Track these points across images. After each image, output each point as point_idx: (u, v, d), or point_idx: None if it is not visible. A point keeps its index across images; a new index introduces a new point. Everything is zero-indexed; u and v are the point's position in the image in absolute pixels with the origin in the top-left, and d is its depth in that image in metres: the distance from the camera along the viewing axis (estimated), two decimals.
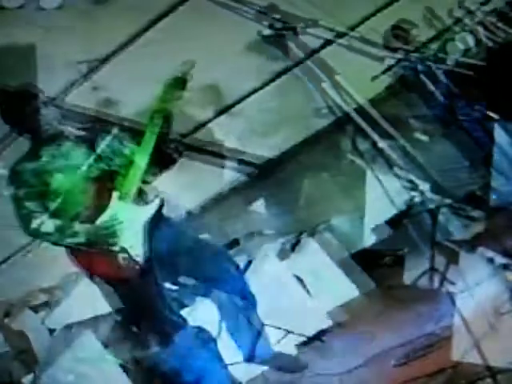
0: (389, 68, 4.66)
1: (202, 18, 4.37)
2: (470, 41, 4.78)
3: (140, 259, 3.34)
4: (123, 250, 3.34)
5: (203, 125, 6.13)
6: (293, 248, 5.64)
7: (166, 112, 3.43)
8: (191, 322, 3.90)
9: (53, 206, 3.36)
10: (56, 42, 3.99)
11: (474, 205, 5.27)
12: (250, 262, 5.19)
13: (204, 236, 5.78)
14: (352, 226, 6.98)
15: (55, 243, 3.42)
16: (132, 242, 3.37)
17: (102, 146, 3.50)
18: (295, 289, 5.10)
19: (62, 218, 3.33)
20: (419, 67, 4.92)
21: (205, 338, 4.02)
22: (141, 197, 3.52)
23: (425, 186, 5.38)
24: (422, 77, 4.98)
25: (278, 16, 1.95)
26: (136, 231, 3.39)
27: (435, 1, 5.24)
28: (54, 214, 3.35)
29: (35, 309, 5.69)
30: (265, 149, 7.10)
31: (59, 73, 4.22)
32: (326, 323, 4.83)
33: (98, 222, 3.35)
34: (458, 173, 6.93)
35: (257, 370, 4.30)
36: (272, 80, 5.81)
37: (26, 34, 3.86)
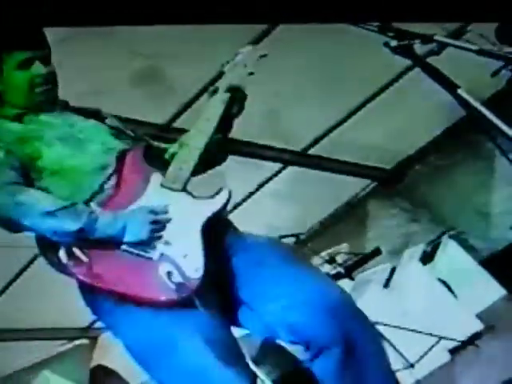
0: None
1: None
2: None
3: (198, 275, 2.13)
4: (167, 259, 2.16)
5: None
6: (434, 251, 5.53)
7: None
8: None
9: (45, 184, 2.28)
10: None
11: None
12: (393, 269, 5.14)
13: (342, 245, 5.78)
14: (489, 225, 6.77)
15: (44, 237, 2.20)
16: (186, 249, 2.19)
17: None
18: (441, 292, 5.00)
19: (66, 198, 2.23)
20: None
21: None
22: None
23: None
24: None
25: (391, 34, 1.89)
26: (191, 234, 2.22)
27: None
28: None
29: None
30: (390, 154, 7.03)
31: None
32: (477, 327, 4.69)
33: (129, 211, 2.22)
34: None
35: None
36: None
37: None
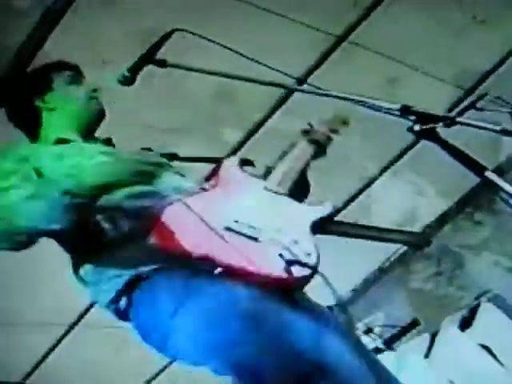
0: None
1: None
2: None
3: (310, 260, 2.00)
4: (277, 244, 2.02)
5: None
6: (472, 316, 5.41)
7: None
8: None
9: None
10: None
11: None
12: (433, 338, 5.03)
13: (378, 315, 5.68)
14: None
15: None
16: (296, 235, 2.09)
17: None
18: (484, 359, 4.85)
19: None
20: None
21: None
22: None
23: None
24: None
25: (412, 117, 1.89)
26: (300, 225, 2.15)
27: None
28: None
29: None
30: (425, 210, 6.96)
31: None
32: None
33: None
34: None
35: None
36: None
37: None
